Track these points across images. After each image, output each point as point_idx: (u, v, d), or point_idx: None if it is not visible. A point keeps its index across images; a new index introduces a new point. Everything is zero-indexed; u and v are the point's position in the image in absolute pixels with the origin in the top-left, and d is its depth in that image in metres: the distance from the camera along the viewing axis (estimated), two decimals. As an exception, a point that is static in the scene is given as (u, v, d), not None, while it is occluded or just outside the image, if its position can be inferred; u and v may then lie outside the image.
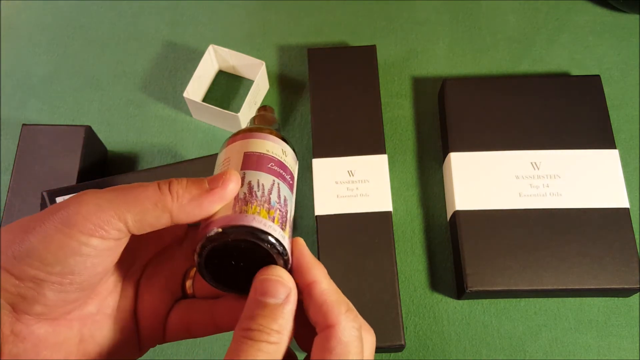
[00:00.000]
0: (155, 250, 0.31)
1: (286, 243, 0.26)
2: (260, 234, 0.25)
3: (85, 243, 0.23)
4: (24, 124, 0.53)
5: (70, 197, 0.24)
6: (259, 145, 0.30)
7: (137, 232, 0.25)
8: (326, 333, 0.25)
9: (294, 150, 0.32)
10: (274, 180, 0.28)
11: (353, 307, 0.26)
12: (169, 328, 0.30)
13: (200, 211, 0.25)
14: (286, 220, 0.27)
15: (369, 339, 0.26)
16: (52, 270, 0.23)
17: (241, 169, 0.28)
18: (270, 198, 0.27)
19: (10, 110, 0.60)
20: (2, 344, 0.23)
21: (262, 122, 0.36)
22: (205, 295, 0.30)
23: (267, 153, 0.30)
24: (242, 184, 0.27)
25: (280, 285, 0.25)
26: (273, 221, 0.26)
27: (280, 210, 0.27)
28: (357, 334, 0.25)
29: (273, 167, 0.29)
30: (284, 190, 0.29)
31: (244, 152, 0.29)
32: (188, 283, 0.30)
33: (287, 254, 0.26)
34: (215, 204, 0.26)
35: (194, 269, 0.31)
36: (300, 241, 0.27)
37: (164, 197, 0.24)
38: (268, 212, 0.26)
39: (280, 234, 0.26)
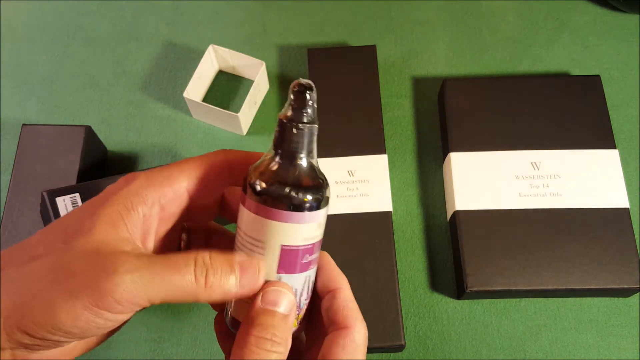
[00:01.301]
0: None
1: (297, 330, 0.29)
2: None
3: (107, 319, 0.23)
4: (24, 124, 0.53)
5: (98, 261, 0.23)
6: (295, 234, 0.27)
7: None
8: (342, 332, 0.28)
9: (324, 193, 0.27)
10: (306, 278, 0.28)
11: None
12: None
13: (223, 301, 0.27)
14: (307, 302, 0.29)
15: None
16: (72, 337, 0.24)
17: (277, 272, 0.27)
18: (300, 301, 0.28)
19: (10, 110, 0.60)
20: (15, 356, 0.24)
21: (296, 137, 0.26)
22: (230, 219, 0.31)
23: (304, 244, 0.27)
24: None
25: (287, 298, 0.27)
26: (300, 322, 0.29)
27: (305, 304, 0.29)
28: (365, 341, 0.28)
29: (307, 260, 0.28)
30: (313, 275, 0.29)
31: (281, 247, 0.27)
32: (182, 244, 0.31)
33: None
34: (240, 297, 0.27)
35: (184, 232, 0.31)
36: (326, 254, 0.30)
37: (199, 287, 0.25)
38: (297, 318, 0.28)
39: (297, 329, 0.29)
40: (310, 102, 0.26)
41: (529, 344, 0.49)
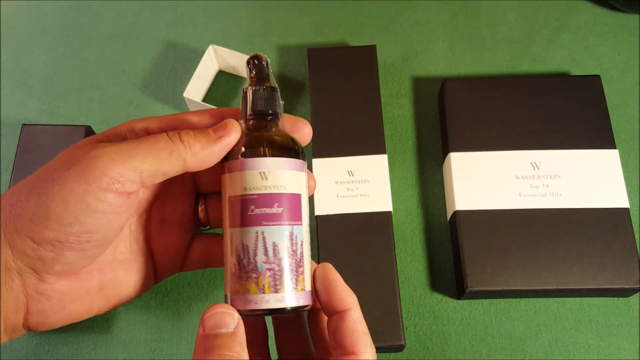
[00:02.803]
0: (155, 193, 0.31)
1: (284, 300, 0.27)
2: (256, 313, 0.27)
3: (102, 199, 0.24)
4: (24, 124, 0.53)
5: (80, 150, 0.24)
6: (236, 182, 0.28)
7: (150, 182, 0.25)
8: (349, 358, 0.27)
9: (288, 145, 0.29)
10: (256, 233, 0.27)
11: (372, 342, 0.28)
12: (189, 261, 0.32)
13: (210, 158, 0.27)
14: (281, 275, 0.27)
15: None
16: (70, 231, 0.23)
17: (229, 227, 0.28)
18: (256, 262, 0.27)
19: (10, 110, 0.60)
20: (29, 303, 0.24)
21: (252, 98, 0.30)
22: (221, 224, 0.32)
23: (246, 193, 0.27)
24: (232, 250, 0.28)
25: (228, 317, 0.26)
26: (263, 291, 0.27)
27: (270, 270, 0.27)
28: None
29: (253, 212, 0.27)
30: (272, 234, 0.27)
31: (227, 198, 0.28)
32: (200, 211, 0.32)
33: (288, 308, 0.27)
34: (223, 150, 0.27)
35: (202, 200, 0.33)
36: (330, 268, 0.28)
37: (177, 145, 0.25)
38: (257, 284, 0.27)
39: (274, 299, 0.27)
40: (261, 70, 0.30)
41: (529, 344, 0.49)
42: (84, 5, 0.65)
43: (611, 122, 0.53)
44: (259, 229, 0.27)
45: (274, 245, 0.27)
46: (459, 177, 0.51)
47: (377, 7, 0.64)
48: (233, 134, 0.28)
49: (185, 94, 0.55)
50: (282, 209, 0.27)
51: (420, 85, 0.60)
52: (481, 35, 0.62)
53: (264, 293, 0.27)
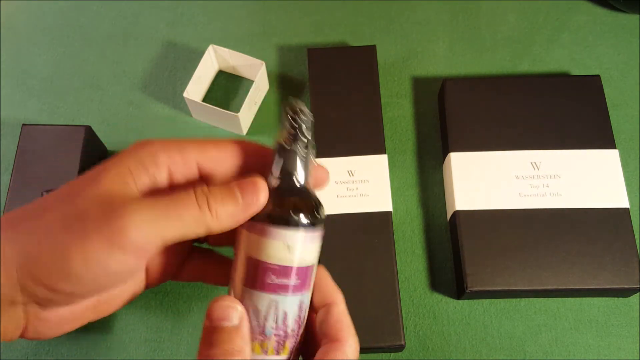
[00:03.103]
0: None
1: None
2: None
3: (123, 262, 0.24)
4: (24, 124, 0.53)
5: (108, 206, 0.24)
6: (258, 246, 0.27)
7: (170, 244, 0.25)
8: (334, 345, 0.28)
9: (315, 216, 0.27)
10: (270, 301, 0.27)
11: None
12: (182, 275, 0.32)
13: (235, 224, 0.27)
14: (285, 341, 0.28)
15: None
16: (87, 287, 0.24)
17: (243, 284, 0.27)
18: (265, 326, 0.28)
19: (10, 110, 0.60)
20: (28, 325, 0.24)
21: (284, 160, 0.28)
22: (218, 244, 0.32)
23: (267, 261, 0.27)
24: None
25: (233, 310, 0.27)
26: (266, 353, 0.28)
27: (276, 335, 0.28)
28: (357, 355, 0.29)
29: (274, 282, 0.27)
30: (285, 304, 0.28)
31: (247, 257, 0.28)
32: None
33: None
34: (249, 216, 0.27)
35: None
36: (323, 269, 0.31)
37: (204, 215, 0.25)
38: (261, 345, 0.28)
39: None
40: (305, 127, 0.27)
41: (529, 344, 0.49)
42: (84, 5, 0.65)
43: (611, 122, 0.53)
44: (274, 297, 0.27)
45: (285, 314, 0.28)
46: (459, 177, 0.51)
47: (377, 7, 0.64)
48: (262, 200, 0.27)
49: (185, 94, 0.55)
50: (300, 280, 0.28)
51: (420, 85, 0.60)
52: (481, 35, 0.62)
53: (266, 355, 0.28)
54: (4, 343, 0.25)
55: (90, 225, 0.23)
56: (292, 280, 0.27)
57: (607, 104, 0.54)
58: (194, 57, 0.62)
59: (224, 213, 0.26)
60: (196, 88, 0.57)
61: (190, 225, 0.25)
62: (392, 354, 0.49)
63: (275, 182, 0.28)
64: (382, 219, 0.50)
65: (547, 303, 0.50)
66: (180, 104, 0.60)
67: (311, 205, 0.28)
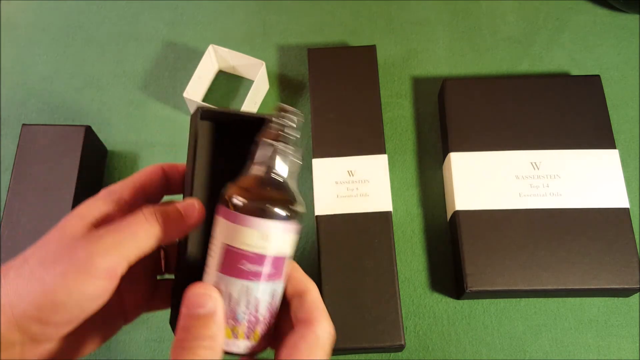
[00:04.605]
0: None
1: (253, 347, 0.30)
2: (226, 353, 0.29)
3: (99, 286, 0.27)
4: (24, 124, 0.53)
5: (73, 244, 0.28)
6: (234, 233, 0.29)
7: (133, 262, 0.28)
8: (307, 325, 0.29)
9: (291, 210, 0.29)
10: (243, 287, 0.29)
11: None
12: (154, 306, 0.35)
13: (179, 234, 0.31)
14: (255, 326, 0.30)
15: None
16: (73, 314, 0.28)
17: (218, 270, 0.29)
18: (237, 311, 0.29)
19: (10, 110, 0.60)
20: (24, 353, 0.28)
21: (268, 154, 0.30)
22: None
23: (242, 248, 0.28)
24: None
25: (207, 298, 0.28)
26: (237, 337, 0.29)
27: (248, 321, 0.29)
28: (330, 339, 0.30)
29: (247, 269, 0.29)
30: (257, 291, 0.29)
31: (222, 245, 0.29)
32: (162, 264, 0.36)
33: (256, 356, 0.30)
34: (189, 227, 0.31)
35: (161, 250, 0.36)
36: (295, 263, 0.32)
37: (153, 227, 0.29)
38: (232, 330, 0.29)
39: (244, 346, 0.30)
40: (291, 126, 0.29)
41: (529, 344, 0.49)
42: (84, 5, 0.65)
43: (611, 122, 0.53)
44: (247, 283, 0.29)
45: (257, 301, 0.29)
46: (459, 177, 0.51)
47: (377, 7, 0.64)
48: (198, 213, 0.31)
49: (185, 94, 0.55)
50: (272, 269, 0.29)
51: (420, 85, 0.60)
52: (481, 35, 0.62)
53: (236, 339, 0.29)
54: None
55: (64, 263, 0.27)
56: (266, 269, 0.29)
57: (607, 104, 0.54)
58: (194, 57, 0.62)
59: (171, 226, 0.29)
60: (196, 88, 0.57)
61: (143, 239, 0.28)
62: (392, 354, 0.49)
63: (256, 172, 0.30)
64: (382, 219, 0.50)
65: (547, 303, 0.50)
66: (180, 104, 0.60)
67: (288, 200, 0.29)
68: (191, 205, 0.31)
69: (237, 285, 0.29)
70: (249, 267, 0.28)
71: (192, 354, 0.27)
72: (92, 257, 0.27)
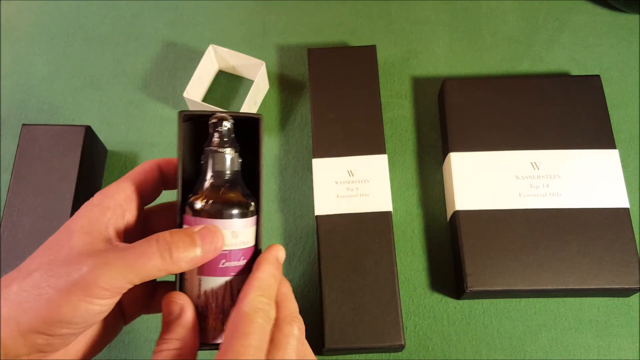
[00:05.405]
0: None
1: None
2: (213, 347, 0.32)
3: (103, 304, 0.28)
4: (24, 124, 0.53)
5: (79, 264, 0.28)
6: None
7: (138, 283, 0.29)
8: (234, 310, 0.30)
9: (250, 204, 0.32)
10: (225, 282, 0.31)
11: (274, 296, 0.31)
12: (153, 307, 0.37)
13: (193, 267, 0.31)
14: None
15: (298, 328, 0.31)
16: (77, 327, 0.28)
17: (197, 274, 0.31)
18: (223, 306, 0.32)
19: (10, 110, 0.60)
20: None
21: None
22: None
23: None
24: (200, 293, 0.31)
25: (173, 304, 0.31)
26: (222, 330, 0.32)
27: (230, 310, 0.31)
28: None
29: (225, 266, 0.31)
30: (238, 283, 0.32)
31: None
32: None
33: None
34: (206, 261, 0.31)
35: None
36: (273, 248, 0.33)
37: (165, 264, 0.29)
38: (222, 322, 0.32)
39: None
40: (224, 132, 0.32)
41: (529, 344, 0.49)
42: (84, 5, 0.65)
43: (611, 122, 0.53)
44: (228, 279, 0.31)
45: (238, 291, 0.32)
46: (459, 177, 0.51)
47: (377, 7, 0.64)
48: (219, 246, 0.31)
49: (185, 94, 0.55)
50: (246, 260, 0.32)
51: (420, 85, 0.60)
52: (481, 35, 0.62)
53: (222, 332, 0.32)
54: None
55: (70, 281, 0.27)
56: (241, 261, 0.32)
57: (607, 104, 0.54)
58: (194, 57, 0.62)
59: (184, 260, 0.29)
60: (196, 88, 0.57)
61: (152, 272, 0.29)
62: (392, 354, 0.49)
63: (212, 182, 0.32)
64: (382, 219, 0.50)
65: (547, 303, 0.50)
66: (180, 104, 0.60)
67: (246, 196, 0.32)
68: (211, 235, 0.31)
69: (220, 283, 0.31)
70: (227, 264, 0.31)
71: (161, 357, 0.29)
72: (98, 279, 0.27)
